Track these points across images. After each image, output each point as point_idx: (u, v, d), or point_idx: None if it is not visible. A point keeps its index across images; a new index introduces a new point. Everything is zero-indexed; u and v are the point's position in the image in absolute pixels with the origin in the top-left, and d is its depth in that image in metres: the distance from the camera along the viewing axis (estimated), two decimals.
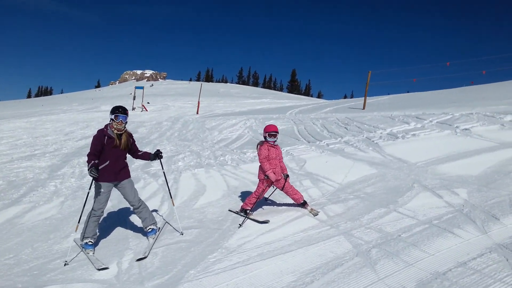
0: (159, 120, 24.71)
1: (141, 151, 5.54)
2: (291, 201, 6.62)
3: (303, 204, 6.02)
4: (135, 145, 5.44)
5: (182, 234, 5.47)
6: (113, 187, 5.23)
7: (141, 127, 21.96)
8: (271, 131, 5.95)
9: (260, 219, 5.67)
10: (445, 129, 11.18)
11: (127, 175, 5.29)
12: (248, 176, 8.82)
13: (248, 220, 5.77)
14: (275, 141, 5.98)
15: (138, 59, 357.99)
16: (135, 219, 6.32)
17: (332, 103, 30.95)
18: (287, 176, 6.00)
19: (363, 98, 23.44)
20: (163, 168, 6.24)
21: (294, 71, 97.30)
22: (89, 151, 5.00)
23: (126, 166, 5.30)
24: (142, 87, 38.98)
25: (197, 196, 7.48)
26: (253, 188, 7.75)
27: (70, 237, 5.79)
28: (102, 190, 5.05)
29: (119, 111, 5.11)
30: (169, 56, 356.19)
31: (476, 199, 5.63)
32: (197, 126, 20.84)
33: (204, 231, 5.52)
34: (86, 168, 10.45)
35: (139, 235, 5.67)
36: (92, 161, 4.91)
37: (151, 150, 14.76)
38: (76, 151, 14.05)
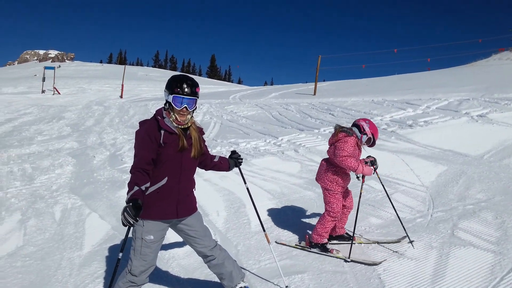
0: (76, 104, 21.21)
1: (214, 155, 3.07)
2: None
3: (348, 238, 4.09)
4: (206, 146, 2.95)
5: None
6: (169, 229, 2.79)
7: (66, 112, 18.22)
8: (376, 138, 3.96)
9: (366, 259, 3.61)
10: (456, 116, 10.15)
11: (194, 206, 2.84)
12: (277, 175, 6.67)
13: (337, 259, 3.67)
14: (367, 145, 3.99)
15: (40, 38, 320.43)
16: (179, 257, 3.87)
17: (272, 88, 29.43)
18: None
19: (311, 83, 22.47)
20: (245, 183, 3.37)
21: (213, 56, 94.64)
22: (133, 162, 2.54)
23: (193, 189, 2.84)
24: (53, 67, 33.95)
25: (239, 209, 5.16)
26: (297, 192, 5.66)
27: None
28: (150, 236, 2.57)
29: (183, 87, 2.56)
30: (76, 36, 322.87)
31: None
32: (140, 111, 17.83)
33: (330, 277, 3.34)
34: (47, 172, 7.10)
35: None
36: (136, 187, 2.44)
37: (97, 140, 11.66)
38: None
